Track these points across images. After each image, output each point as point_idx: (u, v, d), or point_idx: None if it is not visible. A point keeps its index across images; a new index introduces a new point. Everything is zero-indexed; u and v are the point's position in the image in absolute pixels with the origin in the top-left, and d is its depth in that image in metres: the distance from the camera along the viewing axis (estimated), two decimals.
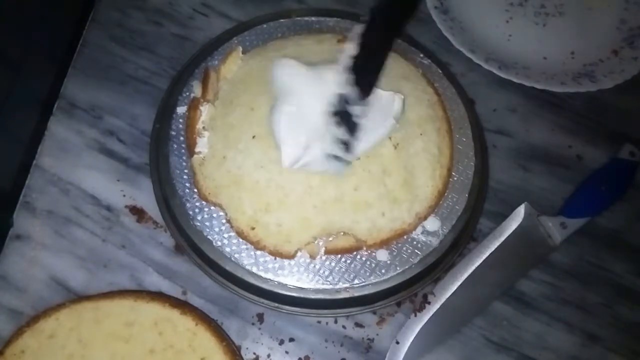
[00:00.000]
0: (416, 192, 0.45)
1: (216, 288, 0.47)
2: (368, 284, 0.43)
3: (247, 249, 0.43)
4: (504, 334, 0.48)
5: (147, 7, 0.59)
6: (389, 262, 0.44)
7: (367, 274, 0.43)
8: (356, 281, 0.43)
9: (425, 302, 0.47)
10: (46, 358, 0.42)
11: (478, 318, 0.48)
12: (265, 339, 0.47)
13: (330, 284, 0.43)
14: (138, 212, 0.50)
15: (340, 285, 0.43)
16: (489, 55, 0.56)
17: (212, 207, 0.44)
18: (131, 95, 0.55)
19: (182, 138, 0.47)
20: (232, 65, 0.49)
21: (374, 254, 0.44)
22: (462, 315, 0.48)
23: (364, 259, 0.44)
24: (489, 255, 0.47)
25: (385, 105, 0.44)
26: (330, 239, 0.43)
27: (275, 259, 0.43)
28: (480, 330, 0.48)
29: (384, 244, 0.44)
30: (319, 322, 0.48)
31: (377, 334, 0.47)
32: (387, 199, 0.44)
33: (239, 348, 0.46)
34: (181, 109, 0.48)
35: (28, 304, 0.46)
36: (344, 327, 0.48)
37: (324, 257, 0.43)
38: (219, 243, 0.44)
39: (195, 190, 0.45)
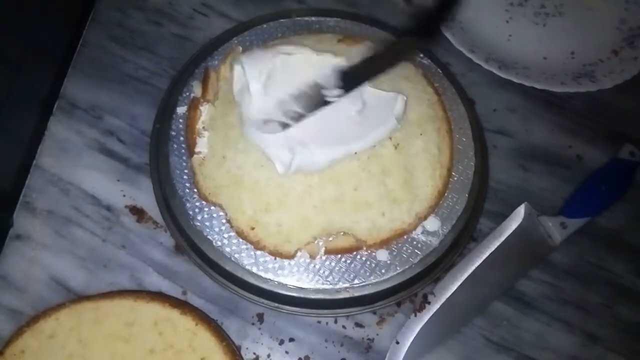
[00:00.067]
0: (416, 192, 0.45)
1: (216, 288, 0.47)
2: (368, 284, 0.43)
3: (247, 249, 0.43)
4: (504, 334, 0.48)
5: (147, 7, 0.59)
6: (389, 262, 0.44)
7: (367, 274, 0.43)
8: (356, 281, 0.43)
9: (425, 302, 0.47)
10: (46, 358, 0.42)
11: (478, 318, 0.48)
12: (265, 339, 0.47)
13: (330, 284, 0.43)
14: (138, 212, 0.50)
15: (340, 285, 0.43)
16: (489, 55, 0.56)
17: (212, 207, 0.44)
18: (131, 95, 0.55)
19: (182, 138, 0.47)
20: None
21: (374, 254, 0.44)
22: (462, 315, 0.48)
23: (364, 259, 0.44)
24: (489, 255, 0.47)
25: (387, 105, 0.44)
26: (330, 239, 0.43)
27: (275, 259, 0.43)
28: (480, 330, 0.48)
29: (384, 244, 0.44)
30: (319, 322, 0.48)
31: (377, 334, 0.47)
32: (387, 199, 0.44)
33: (239, 348, 0.46)
34: (181, 109, 0.48)
35: (28, 304, 0.46)
36: (344, 327, 0.48)
37: (324, 257, 0.43)
38: (219, 243, 0.44)
39: (195, 190, 0.45)
